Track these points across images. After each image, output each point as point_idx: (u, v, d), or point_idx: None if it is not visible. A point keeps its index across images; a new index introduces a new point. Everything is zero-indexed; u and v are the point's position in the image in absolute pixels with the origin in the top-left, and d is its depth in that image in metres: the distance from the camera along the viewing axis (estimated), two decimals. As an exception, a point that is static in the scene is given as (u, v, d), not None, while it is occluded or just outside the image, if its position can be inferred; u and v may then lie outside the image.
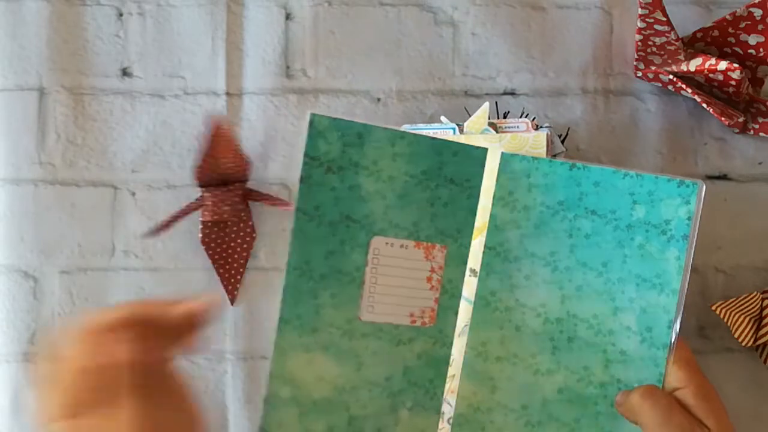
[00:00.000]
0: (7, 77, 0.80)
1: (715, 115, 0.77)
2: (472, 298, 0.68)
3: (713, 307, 0.72)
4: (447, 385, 0.68)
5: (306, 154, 0.64)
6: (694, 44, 0.79)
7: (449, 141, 0.67)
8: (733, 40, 0.77)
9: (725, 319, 0.71)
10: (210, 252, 0.76)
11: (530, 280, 0.67)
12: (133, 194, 0.79)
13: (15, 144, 0.79)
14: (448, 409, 0.68)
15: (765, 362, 0.76)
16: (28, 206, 0.78)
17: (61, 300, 0.78)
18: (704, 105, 0.76)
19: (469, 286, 0.68)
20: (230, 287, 0.77)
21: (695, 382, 0.62)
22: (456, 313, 0.68)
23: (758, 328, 0.73)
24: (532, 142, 0.71)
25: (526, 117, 0.75)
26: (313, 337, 0.65)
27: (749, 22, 0.75)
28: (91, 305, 0.78)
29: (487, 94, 0.81)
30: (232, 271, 0.77)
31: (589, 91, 0.81)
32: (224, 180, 0.76)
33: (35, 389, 0.57)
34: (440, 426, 0.68)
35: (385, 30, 0.81)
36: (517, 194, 0.67)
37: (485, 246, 0.68)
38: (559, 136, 0.75)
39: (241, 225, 0.77)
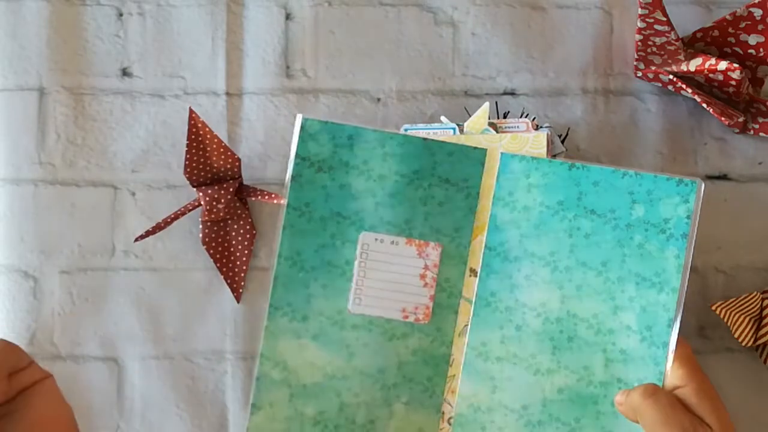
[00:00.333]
0: (7, 77, 0.80)
1: (715, 115, 0.77)
2: (473, 298, 0.68)
3: (713, 307, 0.72)
4: (447, 385, 0.68)
5: (297, 155, 0.68)
6: (694, 44, 0.79)
7: (443, 142, 0.68)
8: (733, 40, 0.77)
9: (725, 319, 0.71)
10: (211, 252, 0.76)
11: (530, 280, 0.67)
12: (133, 194, 0.79)
13: (15, 144, 0.79)
14: (448, 409, 0.68)
15: (765, 362, 0.76)
16: (28, 206, 0.78)
17: (61, 300, 0.78)
18: (704, 105, 0.76)
19: (469, 286, 0.68)
20: (234, 285, 0.77)
21: (696, 380, 0.62)
22: (455, 313, 0.68)
23: (758, 328, 0.73)
24: (532, 142, 0.71)
25: (526, 117, 0.75)
26: (304, 325, 0.68)
27: (749, 22, 0.74)
28: (91, 305, 0.78)
29: (487, 94, 0.81)
30: (236, 269, 0.77)
31: (589, 91, 0.81)
32: (216, 178, 0.76)
33: None
34: (441, 426, 0.68)
35: (385, 30, 0.81)
36: (517, 194, 0.67)
37: (485, 246, 0.68)
38: (559, 136, 0.75)
39: (241, 222, 0.77)
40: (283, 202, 0.68)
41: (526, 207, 0.67)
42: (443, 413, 0.68)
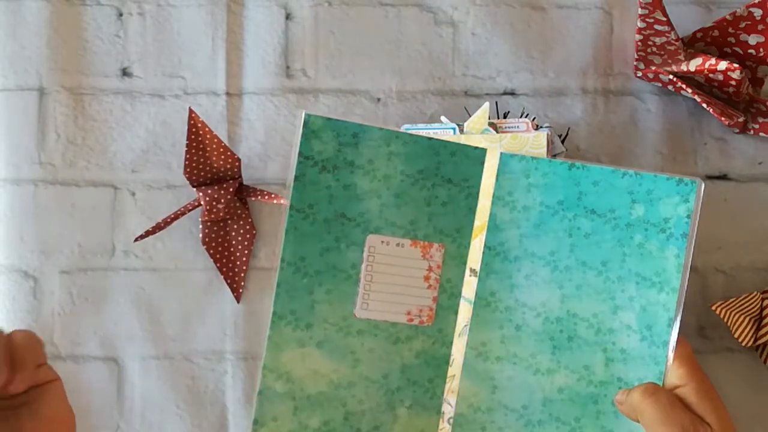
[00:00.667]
0: (7, 77, 0.80)
1: (715, 115, 0.77)
2: (472, 298, 0.68)
3: (713, 307, 0.72)
4: (447, 385, 0.68)
5: (300, 154, 0.65)
6: (694, 44, 0.79)
7: (446, 141, 0.67)
8: (733, 40, 0.77)
9: (725, 319, 0.71)
10: (211, 252, 0.76)
11: (530, 280, 0.67)
12: (133, 194, 0.79)
13: (15, 144, 0.79)
14: (448, 409, 0.68)
15: (765, 362, 0.76)
16: (28, 206, 0.78)
17: (61, 300, 0.78)
18: (704, 105, 0.76)
19: (469, 286, 0.68)
20: (234, 285, 0.77)
21: (696, 379, 0.62)
22: (456, 313, 0.68)
23: (758, 328, 0.73)
24: (532, 142, 0.71)
25: (526, 117, 0.75)
26: (308, 333, 0.66)
27: (749, 22, 0.75)
28: (91, 305, 0.78)
29: (487, 94, 0.81)
30: (236, 269, 0.77)
31: (589, 91, 0.81)
32: (216, 178, 0.76)
33: None
34: (441, 426, 0.68)
35: (385, 30, 0.81)
36: (517, 194, 0.67)
37: (485, 246, 0.68)
38: (559, 136, 0.75)
39: (241, 222, 0.77)
40: (284, 202, 0.66)
41: (525, 207, 0.67)
42: (443, 413, 0.68)
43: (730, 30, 0.76)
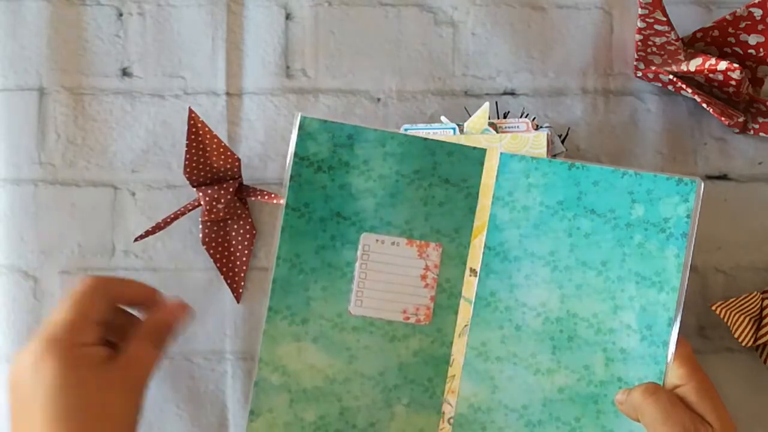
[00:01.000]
0: (7, 77, 0.80)
1: (715, 115, 0.77)
2: (472, 298, 0.68)
3: (713, 307, 0.72)
4: (447, 385, 0.68)
5: (295, 154, 0.67)
6: (694, 44, 0.79)
7: (443, 141, 0.68)
8: (733, 40, 0.77)
9: (725, 319, 0.71)
10: (211, 252, 0.76)
11: (530, 280, 0.67)
12: (133, 194, 0.79)
13: (15, 144, 0.79)
14: (448, 409, 0.68)
15: (765, 362, 0.76)
16: (28, 206, 0.78)
17: (61, 300, 0.78)
18: (704, 105, 0.76)
19: (469, 286, 0.68)
20: (234, 285, 0.77)
21: (696, 379, 0.62)
22: (455, 313, 0.68)
23: (758, 328, 0.73)
24: (533, 142, 0.71)
25: (526, 117, 0.75)
26: (303, 328, 0.67)
27: (749, 22, 0.75)
28: (91, 305, 0.78)
29: (487, 94, 0.81)
30: (236, 269, 0.77)
31: (589, 91, 0.81)
32: (216, 178, 0.76)
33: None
34: (441, 426, 0.68)
35: (385, 30, 0.81)
36: (517, 194, 0.67)
37: (485, 246, 0.68)
38: (559, 136, 0.75)
39: (241, 222, 0.77)
40: (282, 202, 0.67)
41: (525, 207, 0.67)
42: (443, 413, 0.68)
43: (730, 30, 0.76)
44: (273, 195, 0.75)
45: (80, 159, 0.79)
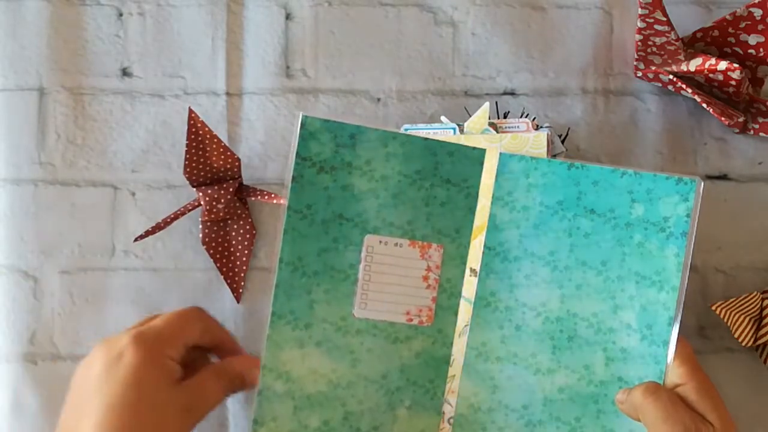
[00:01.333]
0: (7, 77, 0.80)
1: (715, 115, 0.77)
2: (472, 298, 0.68)
3: (713, 307, 0.72)
4: (447, 386, 0.68)
5: (297, 155, 0.66)
6: (694, 44, 0.79)
7: (444, 141, 0.68)
8: (733, 40, 0.77)
9: (725, 319, 0.71)
10: (211, 252, 0.76)
11: (530, 280, 0.67)
12: (133, 194, 0.79)
13: (15, 144, 0.79)
14: (448, 410, 0.68)
15: (765, 362, 0.76)
16: (28, 206, 0.78)
17: (61, 300, 0.78)
18: (704, 105, 0.76)
19: (469, 286, 0.68)
20: (234, 285, 0.77)
21: (696, 378, 0.62)
22: (456, 313, 0.68)
23: (758, 328, 0.73)
24: (533, 142, 0.71)
25: (526, 117, 0.75)
26: (307, 332, 0.66)
27: (749, 22, 0.75)
28: (91, 305, 0.78)
29: (487, 94, 0.81)
30: (236, 269, 0.77)
31: (589, 91, 0.81)
32: (216, 178, 0.76)
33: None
34: (441, 426, 0.68)
35: (385, 30, 0.81)
36: (516, 194, 0.67)
37: (484, 246, 0.68)
38: (559, 136, 0.75)
39: (241, 223, 0.77)
40: (284, 202, 0.67)
41: (525, 207, 0.67)
42: (443, 413, 0.68)
43: (730, 30, 0.76)
44: (273, 195, 0.75)
45: (80, 159, 0.79)
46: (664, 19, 0.72)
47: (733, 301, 0.73)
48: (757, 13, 0.73)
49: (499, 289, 0.67)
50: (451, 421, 0.68)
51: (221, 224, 0.77)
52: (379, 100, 0.80)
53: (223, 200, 0.75)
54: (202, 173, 0.75)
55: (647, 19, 0.72)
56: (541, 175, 0.67)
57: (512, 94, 0.81)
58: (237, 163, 0.75)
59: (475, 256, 0.68)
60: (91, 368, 0.63)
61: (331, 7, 0.81)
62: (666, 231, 0.64)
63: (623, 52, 0.81)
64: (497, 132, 0.72)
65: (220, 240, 0.77)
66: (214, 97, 0.80)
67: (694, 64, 0.75)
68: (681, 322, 0.63)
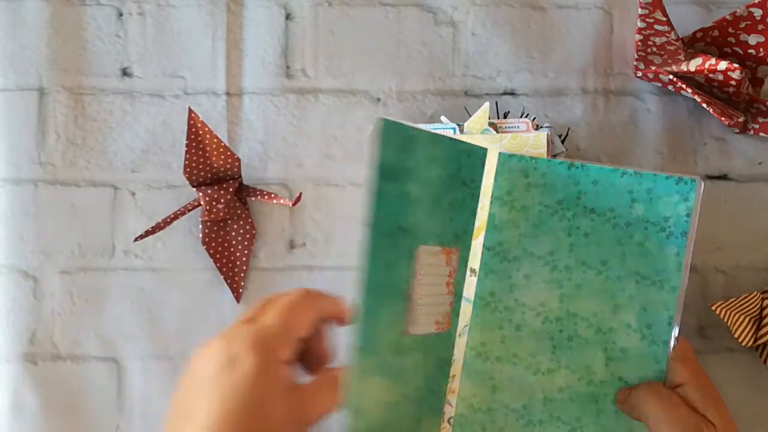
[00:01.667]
0: (7, 77, 0.80)
1: (715, 115, 0.77)
2: (472, 298, 0.68)
3: (713, 307, 0.72)
4: (448, 385, 0.68)
5: (377, 164, 0.57)
6: (694, 44, 0.79)
7: (463, 142, 0.65)
8: (733, 40, 0.77)
9: (725, 319, 0.71)
10: (211, 252, 0.76)
11: (530, 280, 0.67)
12: (133, 194, 0.79)
13: (15, 144, 0.79)
14: (449, 410, 0.68)
15: (765, 362, 0.76)
16: (28, 206, 0.79)
17: (61, 300, 0.78)
18: (704, 105, 0.76)
19: (469, 286, 0.68)
20: (234, 285, 0.77)
21: (696, 378, 0.62)
22: (458, 314, 0.68)
23: (758, 328, 0.73)
24: (533, 142, 0.71)
25: (526, 117, 0.75)
26: (374, 358, 0.59)
27: (749, 22, 0.75)
28: (91, 305, 0.78)
29: (487, 94, 0.81)
30: (235, 269, 0.77)
31: (589, 91, 0.81)
32: (216, 178, 0.76)
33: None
34: (441, 426, 0.68)
35: (385, 30, 0.81)
36: (516, 194, 0.67)
37: (484, 246, 0.68)
38: (559, 136, 0.75)
39: (241, 222, 0.77)
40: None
41: (525, 206, 0.67)
42: (444, 413, 0.68)
43: (730, 30, 0.76)
44: (273, 195, 0.76)
45: (80, 159, 0.79)
46: (664, 19, 0.72)
47: (733, 301, 0.73)
48: (757, 13, 0.73)
49: (498, 289, 0.67)
50: (451, 421, 0.68)
51: (221, 224, 0.77)
52: (379, 100, 0.80)
53: (223, 200, 0.75)
54: (202, 173, 0.75)
55: (647, 19, 0.72)
56: (541, 174, 0.67)
57: (512, 94, 0.81)
58: (237, 163, 0.75)
59: (475, 256, 0.68)
60: (205, 366, 0.59)
61: (331, 7, 0.81)
62: (666, 231, 0.64)
63: (623, 52, 0.81)
64: (497, 132, 0.72)
65: (220, 240, 0.77)
66: (214, 97, 0.80)
67: (694, 64, 0.75)
68: (681, 322, 0.63)
